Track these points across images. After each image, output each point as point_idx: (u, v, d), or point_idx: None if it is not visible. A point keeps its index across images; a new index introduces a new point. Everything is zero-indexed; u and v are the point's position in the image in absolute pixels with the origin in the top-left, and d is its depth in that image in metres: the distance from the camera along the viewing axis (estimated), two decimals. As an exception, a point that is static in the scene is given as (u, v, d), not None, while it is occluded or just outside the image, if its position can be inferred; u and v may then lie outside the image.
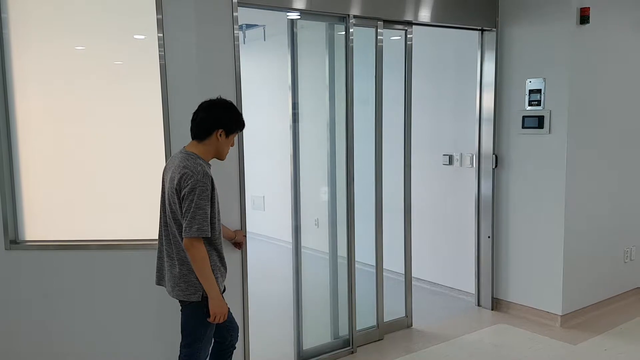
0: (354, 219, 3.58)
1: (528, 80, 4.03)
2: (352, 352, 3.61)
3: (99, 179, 2.98)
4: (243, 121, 2.50)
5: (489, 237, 4.40)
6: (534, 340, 3.80)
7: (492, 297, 4.43)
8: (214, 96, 2.47)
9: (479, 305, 4.52)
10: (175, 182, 2.30)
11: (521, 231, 4.20)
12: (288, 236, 3.41)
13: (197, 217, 2.25)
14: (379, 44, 3.63)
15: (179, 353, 2.48)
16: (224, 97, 2.48)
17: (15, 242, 2.98)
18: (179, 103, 2.82)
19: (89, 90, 2.94)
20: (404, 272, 4.09)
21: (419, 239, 4.89)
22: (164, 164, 2.66)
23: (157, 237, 2.52)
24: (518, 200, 4.20)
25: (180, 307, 2.45)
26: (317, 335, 3.52)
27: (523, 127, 4.09)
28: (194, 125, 2.41)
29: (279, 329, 2.80)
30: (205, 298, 2.35)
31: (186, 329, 2.45)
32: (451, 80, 4.69)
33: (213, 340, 2.57)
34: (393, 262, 4.12)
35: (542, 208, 4.04)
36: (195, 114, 2.41)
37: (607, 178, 4.24)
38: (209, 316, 2.36)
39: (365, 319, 3.78)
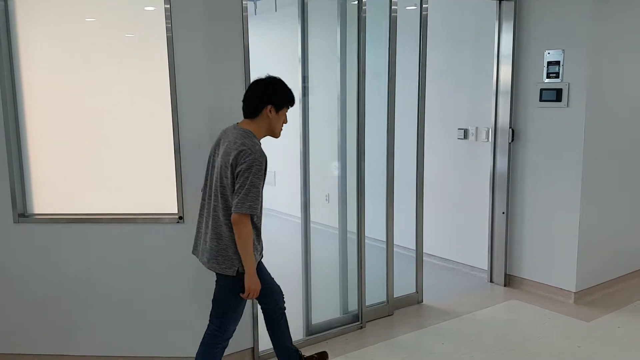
0: (364, 194, 3.53)
1: (547, 51, 3.90)
2: (361, 327, 3.60)
3: (107, 153, 2.96)
4: (292, 96, 2.51)
5: (503, 212, 4.33)
6: (546, 316, 3.76)
7: (505, 274, 4.38)
8: (222, 69, 2.42)
9: (491, 281, 4.47)
10: (232, 157, 2.33)
11: (536, 207, 4.12)
12: (299, 211, 3.38)
13: (250, 195, 2.30)
14: (392, 14, 3.52)
15: (209, 323, 2.55)
16: (272, 74, 2.48)
17: (24, 215, 2.99)
18: (186, 75, 2.78)
19: (98, 62, 2.90)
20: (415, 248, 4.05)
21: (432, 214, 4.82)
22: (172, 137, 2.66)
23: (169, 211, 2.59)
24: (534, 176, 4.11)
25: (216, 279, 2.53)
26: (327, 310, 3.51)
27: (541, 100, 3.98)
28: (245, 104, 2.46)
29: (288, 304, 2.78)
30: (240, 273, 2.41)
31: (220, 299, 2.53)
32: (468, 51, 4.56)
33: (261, 308, 2.69)
34: (404, 237, 4.08)
35: (559, 184, 3.95)
36: (247, 91, 2.48)
37: (626, 153, 4.13)
38: (243, 291, 2.42)
39: (375, 295, 3.76)
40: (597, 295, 4.07)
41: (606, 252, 4.14)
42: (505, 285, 4.37)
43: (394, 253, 3.79)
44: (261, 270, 2.55)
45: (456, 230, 4.81)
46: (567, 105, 3.82)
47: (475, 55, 4.48)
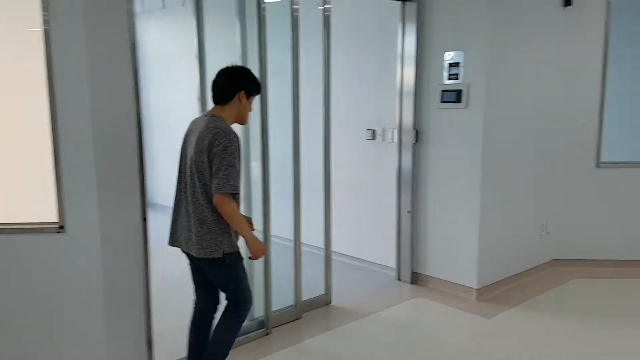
0: (270, 194, 3.42)
1: (447, 53, 3.98)
2: (267, 334, 3.50)
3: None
4: (260, 84, 2.65)
5: (408, 212, 4.39)
6: (449, 314, 3.84)
7: (412, 272, 4.45)
8: (106, 67, 2.37)
9: (399, 279, 4.52)
10: (206, 142, 2.40)
11: (439, 206, 4.20)
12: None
13: (230, 175, 2.37)
14: (294, 13, 3.43)
15: (224, 311, 2.64)
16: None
17: None
18: (65, 73, 2.53)
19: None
20: (324, 248, 4.01)
21: (343, 214, 4.83)
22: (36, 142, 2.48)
23: (49, 220, 2.43)
24: (437, 176, 4.19)
25: (207, 270, 2.58)
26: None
27: (442, 101, 4.06)
28: (216, 90, 2.54)
29: (186, 313, 2.63)
30: (226, 253, 2.48)
31: (225, 287, 2.62)
32: (374, 52, 4.58)
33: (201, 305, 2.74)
34: (314, 237, 4.02)
35: (460, 183, 4.05)
36: (216, 79, 2.55)
37: (523, 152, 4.30)
38: (234, 265, 2.54)
39: (282, 299, 3.67)
40: (498, 291, 4.22)
41: (507, 249, 4.30)
42: (412, 283, 4.43)
43: (302, 253, 3.72)
44: (240, 263, 2.60)
45: (366, 229, 4.83)
46: (467, 107, 3.92)
47: (380, 56, 4.51)
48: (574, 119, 4.55)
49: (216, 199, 2.39)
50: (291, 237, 3.71)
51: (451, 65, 3.96)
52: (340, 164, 4.81)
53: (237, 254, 2.57)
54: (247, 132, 3.38)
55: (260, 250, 2.57)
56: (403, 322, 3.73)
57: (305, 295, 3.83)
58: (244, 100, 2.55)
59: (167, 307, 3.25)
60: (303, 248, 3.72)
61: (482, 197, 3.96)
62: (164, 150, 7.14)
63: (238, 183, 2.42)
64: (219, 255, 2.47)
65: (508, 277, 4.34)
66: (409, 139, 4.30)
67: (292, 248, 3.71)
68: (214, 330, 2.68)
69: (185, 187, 2.53)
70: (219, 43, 3.21)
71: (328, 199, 3.93)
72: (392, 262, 4.60)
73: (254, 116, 3.33)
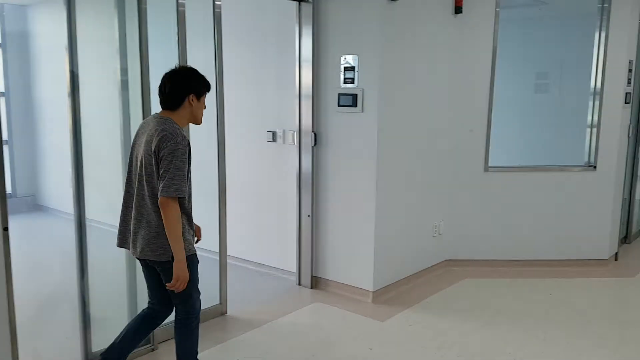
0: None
1: (343, 56, 3.97)
2: (153, 350, 3.29)
3: None
4: (208, 82, 2.59)
5: (309, 215, 4.34)
6: (345, 318, 3.83)
7: (312, 276, 4.40)
8: None
9: (299, 284, 4.46)
10: (154, 144, 2.38)
11: (338, 209, 4.19)
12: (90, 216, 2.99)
13: (175, 178, 2.35)
14: (180, 7, 3.26)
15: (175, 319, 2.64)
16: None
17: None
18: None
19: None
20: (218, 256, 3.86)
21: (243, 218, 4.71)
22: None
23: None
24: (336, 179, 4.18)
25: (158, 269, 2.54)
26: (111, 334, 3.13)
27: (339, 105, 4.04)
28: (164, 97, 2.50)
29: (61, 328, 2.39)
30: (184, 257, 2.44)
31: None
32: (272, 54, 4.49)
33: (152, 304, 2.73)
34: (210, 242, 3.85)
35: (356, 186, 4.06)
36: (163, 85, 2.50)
37: (417, 156, 4.39)
38: (189, 272, 2.46)
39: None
40: (394, 293, 4.27)
41: (402, 251, 4.37)
42: (312, 288, 4.39)
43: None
44: (194, 266, 2.57)
45: (266, 233, 4.73)
46: (362, 111, 3.93)
47: (280, 57, 4.42)
48: (464, 124, 4.72)
49: (160, 201, 2.37)
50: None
51: (347, 69, 3.95)
52: (240, 165, 4.69)
53: (191, 257, 2.52)
54: (126, 133, 3.16)
55: (184, 278, 2.44)
56: (300, 329, 3.67)
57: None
58: (195, 102, 2.52)
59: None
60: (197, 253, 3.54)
61: (377, 200, 3.98)
62: (52, 150, 6.67)
63: (184, 187, 2.39)
64: (167, 258, 2.45)
65: (403, 279, 4.41)
66: (308, 141, 4.25)
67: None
68: (177, 344, 2.70)
69: (134, 190, 2.52)
70: (95, 36, 2.97)
71: (223, 202, 3.78)
72: (293, 267, 4.53)
73: (135, 116, 3.13)
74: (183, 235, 2.45)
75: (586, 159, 4.92)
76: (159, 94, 2.51)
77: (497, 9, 4.58)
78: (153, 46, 3.09)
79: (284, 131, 4.48)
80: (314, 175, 4.28)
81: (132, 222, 2.52)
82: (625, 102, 4.88)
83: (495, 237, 4.91)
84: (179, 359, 2.71)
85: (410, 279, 4.48)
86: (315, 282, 4.40)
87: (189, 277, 2.47)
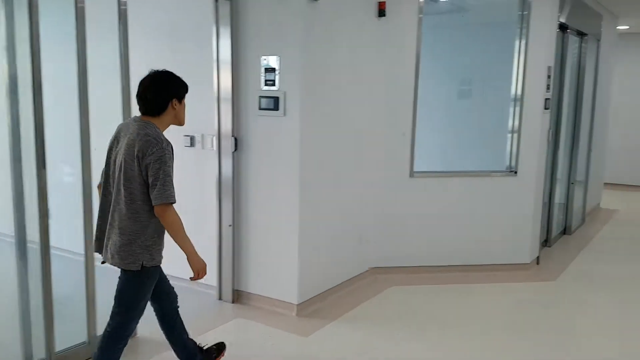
0: (47, 205, 2.85)
1: (263, 57, 3.77)
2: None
3: None
4: (185, 83, 2.59)
5: (230, 225, 4.09)
6: (267, 334, 3.61)
7: (234, 290, 4.15)
8: None
9: (220, 299, 4.19)
10: (137, 149, 2.34)
11: (260, 219, 3.97)
12: None
13: (167, 184, 2.35)
14: (79, 4, 2.93)
15: (109, 320, 2.57)
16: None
17: None
18: None
19: None
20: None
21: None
22: None
23: None
24: (257, 186, 3.96)
25: (120, 274, 2.51)
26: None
27: (260, 108, 3.84)
28: (146, 104, 2.47)
29: None
30: (145, 267, 2.44)
31: (122, 296, 2.53)
32: (189, 55, 4.19)
33: (155, 309, 2.76)
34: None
35: (279, 194, 3.86)
36: (143, 93, 2.47)
37: (342, 162, 4.25)
38: (146, 285, 2.50)
39: (71, 333, 3.12)
40: (319, 305, 4.09)
41: (328, 260, 4.21)
42: (233, 302, 4.13)
43: (96, 271, 3.17)
44: (151, 280, 2.55)
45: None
46: (285, 114, 3.74)
47: (198, 58, 4.14)
48: (390, 129, 4.64)
49: (156, 210, 2.36)
50: (80, 250, 3.12)
51: (267, 70, 3.76)
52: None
53: (156, 269, 2.53)
54: (15, 137, 2.80)
55: (203, 269, 2.53)
56: (218, 347, 3.40)
57: (103, 327, 3.30)
58: (177, 106, 2.53)
59: None
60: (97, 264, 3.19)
61: (301, 208, 3.80)
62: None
63: (174, 192, 2.39)
64: (136, 268, 2.43)
65: (330, 289, 4.25)
66: (228, 146, 4.01)
67: (82, 264, 3.12)
68: (95, 357, 2.62)
69: (110, 195, 2.48)
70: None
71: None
72: (213, 280, 4.25)
73: (28, 121, 2.78)
74: (153, 246, 2.46)
75: (507, 164, 4.98)
76: (139, 101, 2.48)
77: (420, 15, 4.54)
78: (50, 44, 2.77)
79: (202, 136, 4.21)
80: (235, 182, 4.04)
81: (108, 227, 2.49)
82: (545, 108, 4.99)
83: (421, 243, 4.86)
84: None
85: (336, 289, 4.32)
86: (237, 296, 4.15)
87: (205, 264, 2.54)
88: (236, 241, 4.11)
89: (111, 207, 2.46)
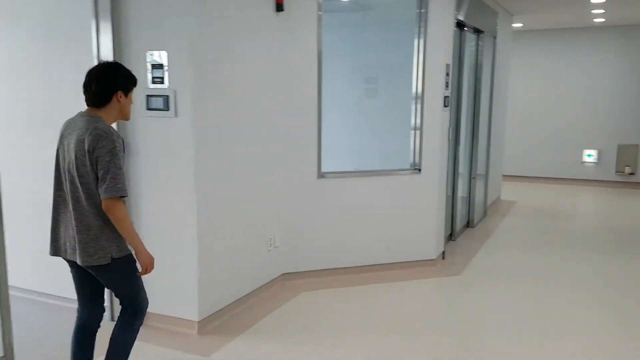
0: None
1: (149, 53, 3.44)
2: None
3: None
4: (134, 76, 2.55)
5: (119, 239, 3.71)
6: (164, 357, 3.29)
7: (128, 309, 3.77)
8: None
9: (112, 320, 3.79)
10: (87, 144, 2.32)
11: (154, 230, 3.63)
12: None
13: (118, 177, 2.32)
14: None
15: (119, 316, 2.63)
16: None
17: None
18: None
19: None
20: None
21: (33, 239, 3.90)
22: None
23: None
24: (149, 197, 3.61)
25: (95, 274, 2.50)
26: None
27: (148, 108, 3.50)
28: (91, 95, 2.43)
29: None
30: (114, 258, 2.43)
31: (119, 291, 2.60)
32: (66, 52, 3.77)
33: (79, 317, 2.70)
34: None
35: (174, 203, 3.54)
36: (88, 83, 2.44)
37: (245, 164, 4.00)
38: (127, 271, 2.51)
39: None
40: (224, 319, 3.82)
41: (233, 270, 3.94)
42: (127, 323, 3.75)
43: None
44: (133, 265, 2.55)
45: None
46: (176, 115, 3.43)
47: (75, 56, 3.72)
48: (294, 129, 4.46)
49: (105, 203, 2.33)
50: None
51: (155, 67, 3.43)
52: (28, 180, 3.91)
53: (128, 257, 2.51)
54: None
55: (151, 263, 2.52)
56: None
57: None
58: (122, 99, 2.47)
59: None
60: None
61: (199, 216, 3.52)
62: None
63: (125, 186, 2.37)
64: (106, 261, 2.42)
65: (236, 301, 3.99)
66: (114, 153, 3.62)
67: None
68: (113, 337, 2.64)
69: (65, 193, 2.45)
70: None
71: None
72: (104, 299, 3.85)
73: None
74: (119, 237, 2.43)
75: (412, 162, 4.97)
76: (85, 92, 2.45)
77: (319, 12, 4.38)
78: None
79: (87, 141, 3.79)
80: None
81: (68, 227, 2.45)
82: (444, 106, 5.03)
83: (331, 245, 4.73)
84: (111, 354, 2.63)
85: (244, 299, 4.07)
86: (132, 316, 3.78)
87: (153, 259, 2.52)
88: (128, 255, 3.74)
89: (70, 206, 2.42)
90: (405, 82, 4.99)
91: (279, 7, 4.18)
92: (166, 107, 3.43)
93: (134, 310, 2.63)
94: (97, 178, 2.34)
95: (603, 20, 8.65)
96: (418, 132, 4.90)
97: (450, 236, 6.02)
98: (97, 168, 2.33)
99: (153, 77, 3.44)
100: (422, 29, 4.77)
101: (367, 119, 5.83)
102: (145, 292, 2.67)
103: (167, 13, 3.36)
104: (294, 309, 4.09)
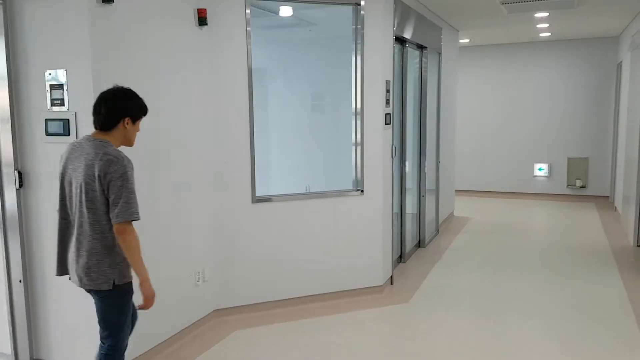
0: None
1: (48, 72, 3.07)
2: None
3: None
4: (146, 106, 2.57)
5: (20, 280, 3.29)
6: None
7: (32, 359, 3.34)
8: None
9: None
10: (97, 168, 2.34)
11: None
12: None
13: (131, 201, 2.36)
14: None
15: (100, 344, 2.56)
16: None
17: None
18: None
19: None
20: None
21: None
22: None
23: None
24: (53, 232, 3.21)
25: (94, 299, 2.51)
26: None
27: (47, 133, 3.12)
28: (99, 117, 2.45)
29: None
30: (117, 285, 2.44)
31: (106, 319, 2.53)
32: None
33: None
34: None
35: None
36: (98, 105, 2.46)
37: (166, 190, 3.64)
38: (124, 302, 2.50)
39: None
40: (144, 363, 3.44)
41: (156, 309, 3.53)
42: (33, 375, 3.33)
43: None
44: (130, 296, 2.54)
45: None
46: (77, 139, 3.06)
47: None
48: (225, 152, 4.13)
49: (117, 227, 2.35)
50: None
51: (54, 87, 3.06)
52: None
53: (129, 285, 2.51)
54: None
55: (152, 298, 2.48)
56: None
57: None
58: (129, 126, 2.50)
59: None
60: None
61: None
62: None
63: (138, 210, 2.39)
64: (108, 287, 2.43)
65: (162, 342, 3.61)
66: (11, 182, 3.22)
67: None
68: None
69: (72, 217, 2.48)
70: None
71: None
72: (7, 348, 3.41)
73: None
74: (122, 263, 2.44)
75: (354, 183, 4.71)
76: (94, 114, 2.47)
77: (247, 28, 4.10)
78: None
79: (-15, 170, 3.38)
80: (24, 228, 3.26)
81: (72, 250, 2.47)
82: (386, 123, 4.80)
83: (267, 276, 4.39)
84: None
85: (171, 340, 3.69)
86: (38, 367, 3.36)
87: (154, 293, 2.48)
88: (30, 299, 3.32)
89: (75, 230, 2.45)
90: (346, 101, 4.75)
91: (202, 21, 3.88)
92: (66, 132, 3.06)
93: (112, 348, 2.53)
94: (107, 203, 2.37)
95: (549, 34, 8.69)
96: (359, 152, 4.65)
97: (400, 258, 5.77)
98: (108, 193, 2.35)
99: (52, 99, 3.07)
100: (359, 46, 4.54)
101: (310, 138, 5.56)
102: (129, 330, 2.59)
103: (68, 27, 3.01)
104: (225, 351, 3.72)
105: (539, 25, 7.78)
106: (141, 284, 2.45)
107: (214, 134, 4.06)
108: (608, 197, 9.36)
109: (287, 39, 5.52)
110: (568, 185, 9.61)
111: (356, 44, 4.56)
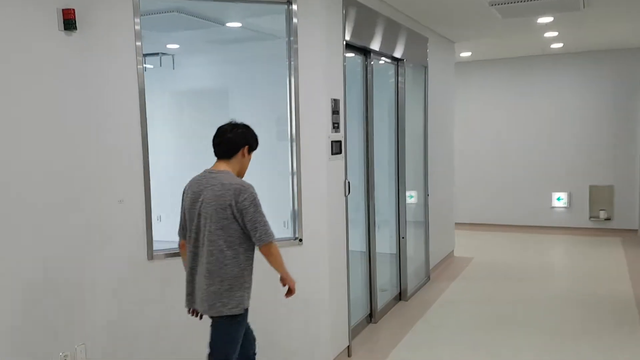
0: None
1: None
2: None
3: None
4: (258, 138, 2.79)
5: None
6: None
7: None
8: None
9: None
10: (228, 198, 2.54)
11: None
12: None
13: (266, 224, 2.57)
14: None
15: None
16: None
17: None
18: None
19: None
20: None
21: None
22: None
23: None
24: None
25: (212, 323, 2.65)
26: None
27: None
28: (221, 146, 2.68)
29: None
30: (246, 309, 2.64)
31: (219, 345, 2.64)
32: None
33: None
34: None
35: None
36: (219, 137, 2.68)
37: (23, 247, 2.69)
38: (238, 329, 2.66)
39: None
40: None
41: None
42: None
43: None
44: (241, 325, 2.68)
45: None
46: None
47: None
48: (105, 194, 3.18)
49: (264, 249, 2.58)
50: None
51: None
52: None
53: (244, 314, 2.65)
54: None
55: (293, 284, 2.76)
56: None
57: None
58: (246, 155, 2.70)
59: None
60: None
61: None
62: None
63: (271, 229, 2.59)
64: (239, 311, 2.58)
65: None
66: None
67: None
68: None
69: (201, 247, 2.59)
70: None
71: None
72: None
73: None
74: (250, 287, 2.65)
75: (291, 231, 3.68)
76: (215, 145, 2.67)
77: (137, 43, 3.18)
78: None
79: None
80: None
81: (202, 279, 2.58)
82: (333, 153, 3.77)
83: (170, 356, 3.37)
84: None
85: None
86: None
87: (294, 281, 2.77)
88: None
89: (204, 259, 2.57)
90: (283, 128, 3.76)
91: (69, 25, 2.96)
92: None
93: None
94: (239, 230, 2.56)
95: (561, 45, 7.57)
96: (296, 189, 3.63)
97: (370, 317, 4.67)
98: (243, 221, 2.54)
99: None
100: (293, 60, 3.57)
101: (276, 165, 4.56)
102: (237, 357, 2.66)
103: None
104: None
105: (546, 34, 6.69)
106: (286, 278, 2.73)
107: (92, 170, 3.12)
108: (637, 230, 8.07)
109: (251, 56, 4.60)
110: (591, 217, 8.34)
111: (290, 54, 3.59)
